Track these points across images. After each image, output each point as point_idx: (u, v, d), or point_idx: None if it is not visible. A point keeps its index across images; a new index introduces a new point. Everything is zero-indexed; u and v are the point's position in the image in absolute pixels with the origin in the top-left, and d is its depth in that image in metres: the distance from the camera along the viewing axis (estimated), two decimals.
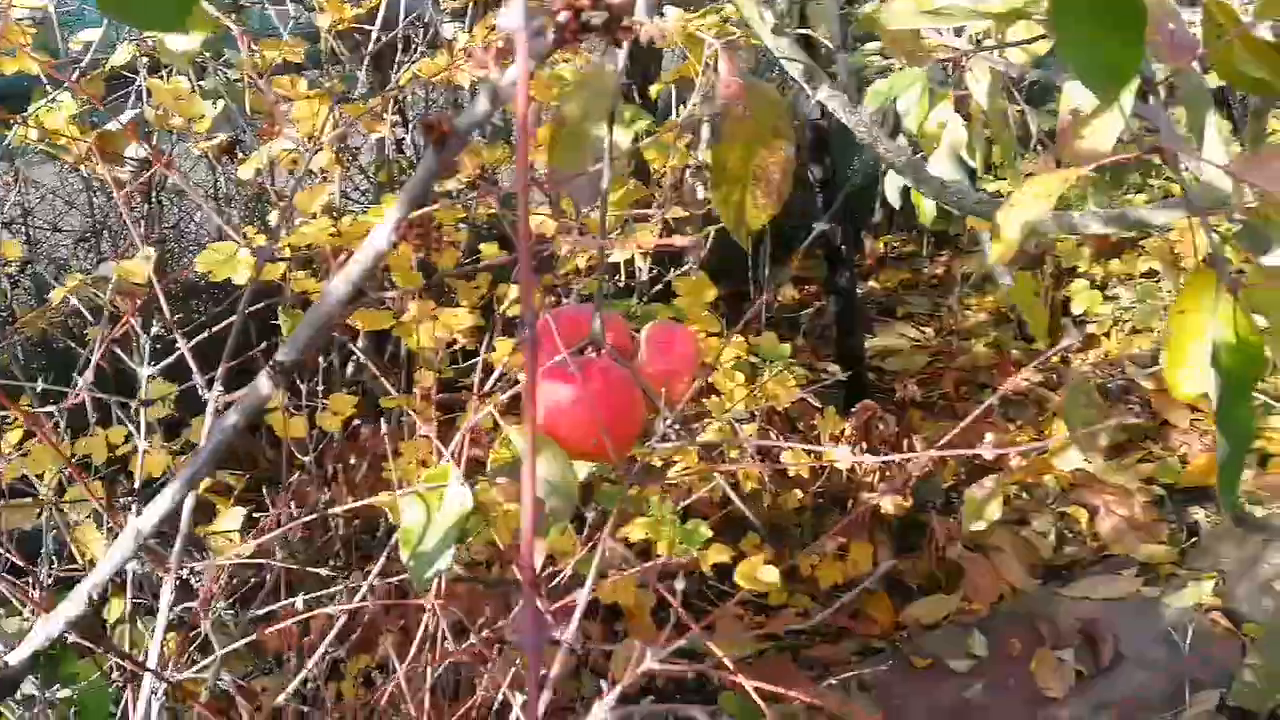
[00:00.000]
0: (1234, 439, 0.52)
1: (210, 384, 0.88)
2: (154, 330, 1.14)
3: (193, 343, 1.10)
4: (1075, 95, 0.64)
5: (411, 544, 0.57)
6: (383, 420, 1.62)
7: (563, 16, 0.40)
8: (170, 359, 1.18)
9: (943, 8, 0.58)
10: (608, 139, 0.59)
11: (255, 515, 1.50)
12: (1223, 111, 2.80)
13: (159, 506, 0.43)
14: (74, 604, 0.50)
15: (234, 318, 1.10)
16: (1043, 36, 1.07)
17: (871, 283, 3.81)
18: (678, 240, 0.43)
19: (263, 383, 0.42)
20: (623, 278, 1.84)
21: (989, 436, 0.69)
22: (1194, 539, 2.41)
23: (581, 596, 1.03)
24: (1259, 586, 2.17)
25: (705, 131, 2.28)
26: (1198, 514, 2.47)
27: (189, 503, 0.98)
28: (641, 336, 0.65)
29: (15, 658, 0.55)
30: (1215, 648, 2.05)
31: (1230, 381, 0.52)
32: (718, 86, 0.60)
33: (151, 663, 0.96)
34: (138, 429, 1.29)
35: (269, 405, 1.58)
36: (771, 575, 1.31)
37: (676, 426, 0.66)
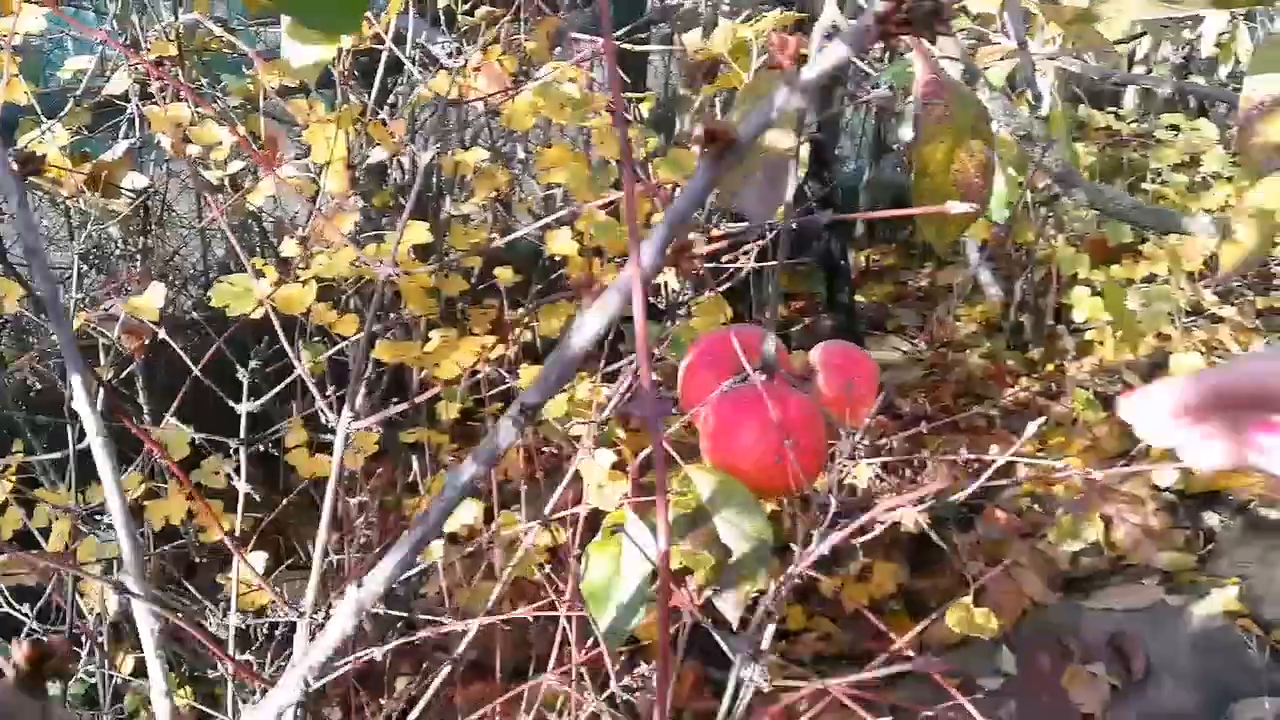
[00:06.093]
0: None
1: (339, 408, 0.80)
2: (252, 364, 1.09)
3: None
4: (1258, 87, 0.60)
5: (601, 601, 0.51)
6: (412, 456, 1.56)
7: (882, 7, 0.35)
8: (280, 387, 1.12)
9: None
10: (794, 147, 0.54)
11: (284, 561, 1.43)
12: None
13: (379, 577, 0.37)
14: (287, 691, 0.44)
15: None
16: None
17: (858, 296, 3.78)
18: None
19: (506, 427, 0.36)
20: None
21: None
22: (1209, 545, 2.38)
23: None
24: None
25: None
26: (1211, 519, 2.45)
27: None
28: (815, 359, 0.60)
29: None
30: (1247, 654, 2.03)
31: None
32: (913, 86, 0.55)
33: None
34: (236, 471, 1.23)
35: (292, 443, 1.51)
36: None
37: (863, 445, 0.61)
